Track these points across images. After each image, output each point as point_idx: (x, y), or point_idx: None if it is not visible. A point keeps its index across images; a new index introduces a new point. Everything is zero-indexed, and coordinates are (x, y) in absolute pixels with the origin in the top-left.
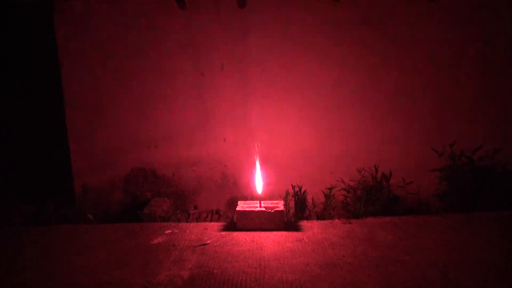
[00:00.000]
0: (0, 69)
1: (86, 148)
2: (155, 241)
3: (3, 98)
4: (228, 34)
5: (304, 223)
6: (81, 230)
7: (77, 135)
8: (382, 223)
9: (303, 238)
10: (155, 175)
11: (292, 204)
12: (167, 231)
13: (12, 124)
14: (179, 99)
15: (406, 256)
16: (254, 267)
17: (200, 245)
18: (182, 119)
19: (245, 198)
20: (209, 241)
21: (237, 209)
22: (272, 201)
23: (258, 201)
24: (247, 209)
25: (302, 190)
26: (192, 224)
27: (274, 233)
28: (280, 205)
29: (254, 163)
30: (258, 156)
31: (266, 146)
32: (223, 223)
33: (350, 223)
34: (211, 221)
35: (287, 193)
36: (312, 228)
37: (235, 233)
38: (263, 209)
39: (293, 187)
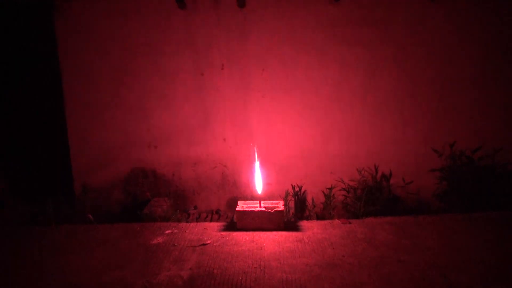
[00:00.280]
0: (0, 69)
1: (86, 148)
2: (155, 241)
3: (3, 98)
4: (228, 34)
5: (304, 223)
6: (81, 230)
7: (77, 135)
8: (382, 223)
9: (303, 238)
10: (155, 175)
11: (292, 204)
12: (167, 231)
13: (12, 124)
14: (179, 99)
15: (406, 256)
16: (254, 267)
17: (200, 245)
18: (182, 119)
19: (245, 198)
20: (209, 241)
21: (237, 209)
22: (272, 201)
23: (258, 201)
24: (247, 209)
25: (302, 190)
26: (192, 224)
27: (274, 233)
28: (280, 205)
29: (254, 163)
30: (258, 156)
31: (266, 146)
32: (223, 223)
33: (350, 223)
34: (211, 221)
35: (287, 193)
36: (312, 228)
37: (235, 233)
38: (263, 209)
39: (293, 187)
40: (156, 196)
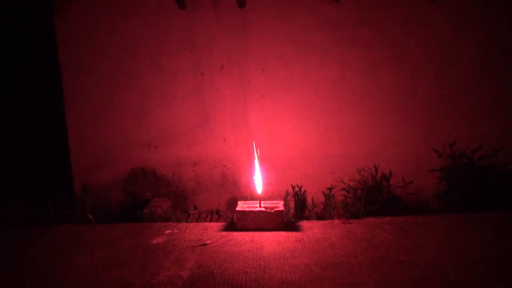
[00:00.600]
0: (0, 69)
1: (86, 148)
2: (155, 241)
3: (3, 98)
4: (228, 34)
5: (304, 223)
6: (81, 230)
7: (77, 135)
8: (382, 223)
9: (303, 238)
10: (155, 175)
11: (292, 204)
12: (167, 231)
13: (12, 124)
14: (179, 99)
15: (406, 256)
16: (254, 267)
17: (200, 245)
18: (182, 119)
19: (245, 198)
20: (209, 241)
21: (237, 209)
22: (272, 201)
23: (258, 201)
24: (247, 209)
25: (302, 190)
26: (192, 224)
27: (274, 233)
28: (280, 205)
29: (254, 163)
30: (258, 156)
31: (266, 146)
32: (223, 223)
33: (350, 223)
34: (211, 221)
35: (287, 193)
36: (312, 228)
37: (235, 233)
38: (263, 209)
39: (293, 187)
40: (156, 196)
